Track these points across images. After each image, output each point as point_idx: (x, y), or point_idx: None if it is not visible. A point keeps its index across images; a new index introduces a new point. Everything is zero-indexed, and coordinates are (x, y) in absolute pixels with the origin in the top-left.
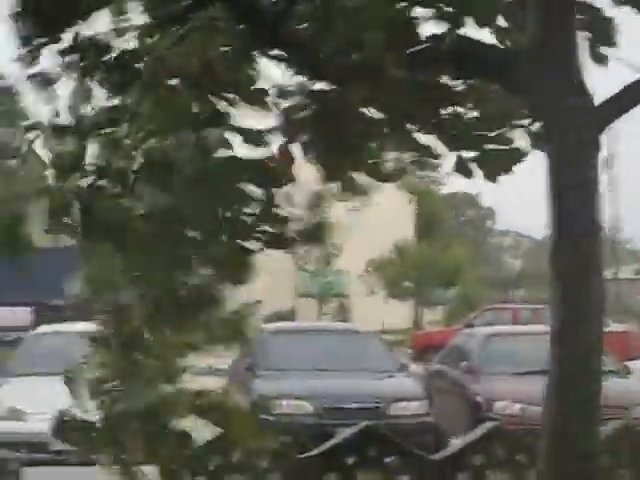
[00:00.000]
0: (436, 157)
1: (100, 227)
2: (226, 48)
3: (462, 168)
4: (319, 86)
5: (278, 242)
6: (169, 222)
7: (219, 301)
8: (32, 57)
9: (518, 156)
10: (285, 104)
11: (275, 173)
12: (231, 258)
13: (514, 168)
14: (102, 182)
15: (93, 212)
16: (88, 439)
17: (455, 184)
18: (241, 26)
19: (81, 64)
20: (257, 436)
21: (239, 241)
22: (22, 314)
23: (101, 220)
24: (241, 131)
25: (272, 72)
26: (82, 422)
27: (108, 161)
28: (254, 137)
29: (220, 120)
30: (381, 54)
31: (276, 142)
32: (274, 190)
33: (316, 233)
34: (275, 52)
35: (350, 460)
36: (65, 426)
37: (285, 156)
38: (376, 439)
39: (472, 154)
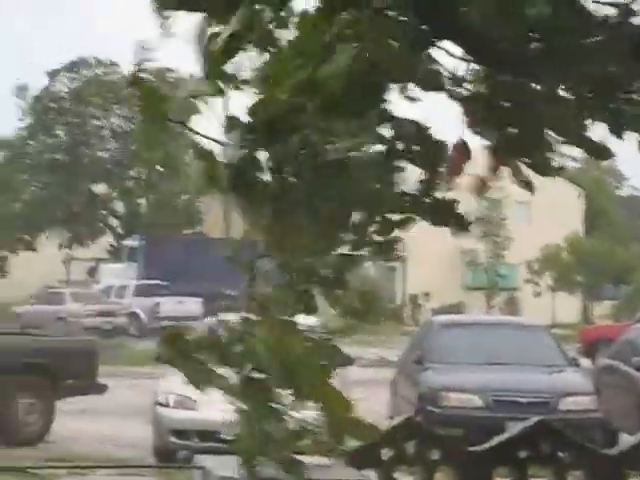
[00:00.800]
0: (605, 154)
1: (247, 191)
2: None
3: None
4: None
5: (434, 217)
6: (320, 198)
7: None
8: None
9: None
10: (460, 92)
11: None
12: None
13: None
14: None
15: (241, 176)
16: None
17: (630, 186)
18: (411, 15)
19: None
20: (358, 425)
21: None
22: (192, 304)
23: (247, 183)
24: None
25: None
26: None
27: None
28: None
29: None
30: (564, 42)
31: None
32: (434, 171)
33: (465, 219)
34: (448, 42)
35: (522, 454)
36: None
37: (462, 156)
38: (549, 434)
39: None
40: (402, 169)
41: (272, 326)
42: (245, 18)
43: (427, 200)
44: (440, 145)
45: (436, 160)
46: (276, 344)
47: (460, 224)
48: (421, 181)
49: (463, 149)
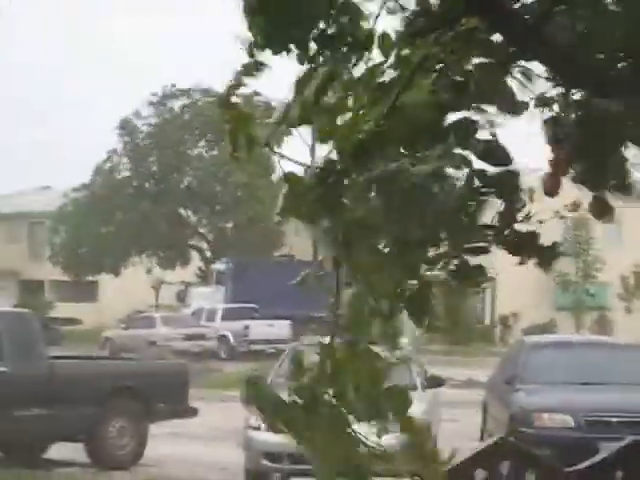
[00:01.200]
0: None
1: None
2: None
3: None
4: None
5: (518, 248)
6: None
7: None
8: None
9: None
10: (546, 114)
11: (510, 182)
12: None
13: None
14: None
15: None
16: (274, 413)
17: None
18: (496, 35)
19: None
20: None
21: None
22: (281, 327)
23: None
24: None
25: (530, 82)
26: (272, 394)
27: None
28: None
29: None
30: None
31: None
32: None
33: (551, 252)
34: (534, 63)
35: (619, 474)
36: (252, 391)
37: (560, 169)
38: None
39: None
40: (485, 199)
41: (355, 353)
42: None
43: (507, 233)
44: (513, 174)
45: (512, 191)
46: (361, 374)
47: (545, 257)
48: (500, 213)
49: (560, 163)
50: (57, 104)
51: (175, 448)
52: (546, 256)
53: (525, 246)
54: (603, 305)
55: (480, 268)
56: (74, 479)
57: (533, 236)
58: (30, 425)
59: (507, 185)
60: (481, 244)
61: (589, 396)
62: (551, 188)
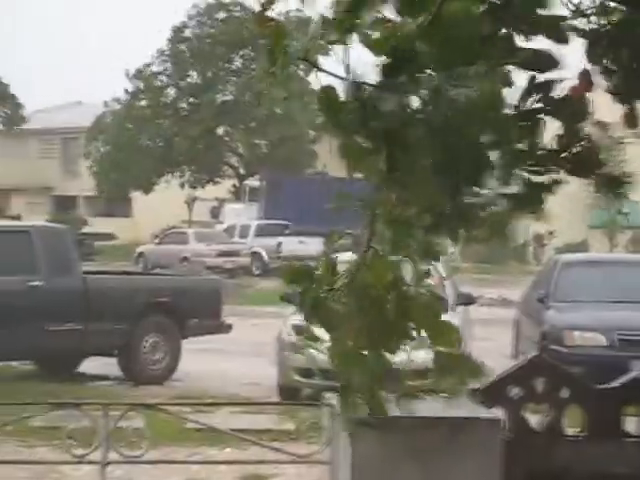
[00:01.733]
0: None
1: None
2: None
3: None
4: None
5: (579, 169)
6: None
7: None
8: None
9: None
10: (584, 27)
11: (574, 105)
12: (525, 193)
13: None
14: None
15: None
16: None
17: None
18: None
19: None
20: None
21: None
22: (313, 244)
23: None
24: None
25: None
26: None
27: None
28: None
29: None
30: None
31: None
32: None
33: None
34: None
35: None
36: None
37: (584, 84)
38: None
39: None
40: (538, 121)
41: (385, 267)
42: None
43: (566, 155)
44: (583, 99)
45: (577, 114)
46: (389, 284)
47: (611, 183)
48: (559, 136)
49: (587, 78)
50: None
51: (208, 364)
52: (612, 182)
53: (587, 166)
54: (637, 224)
55: (543, 189)
56: (107, 393)
57: (595, 154)
58: (64, 339)
59: (569, 104)
60: (537, 167)
61: (621, 314)
62: (576, 95)
